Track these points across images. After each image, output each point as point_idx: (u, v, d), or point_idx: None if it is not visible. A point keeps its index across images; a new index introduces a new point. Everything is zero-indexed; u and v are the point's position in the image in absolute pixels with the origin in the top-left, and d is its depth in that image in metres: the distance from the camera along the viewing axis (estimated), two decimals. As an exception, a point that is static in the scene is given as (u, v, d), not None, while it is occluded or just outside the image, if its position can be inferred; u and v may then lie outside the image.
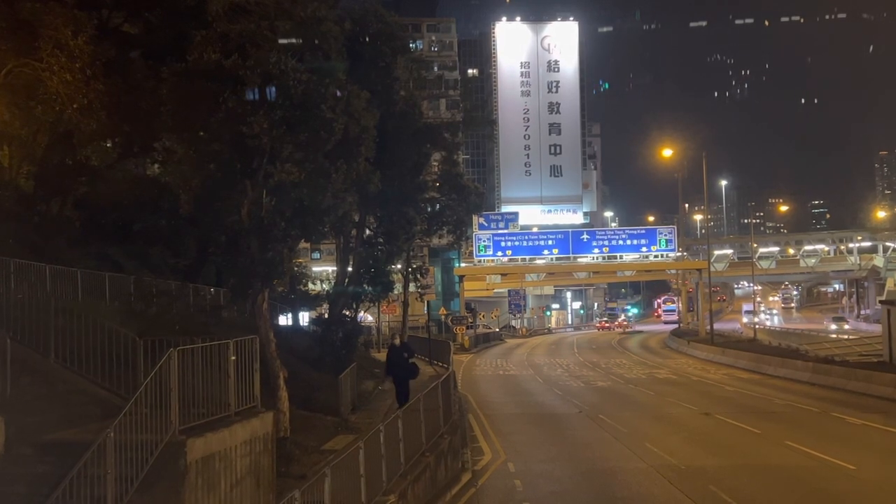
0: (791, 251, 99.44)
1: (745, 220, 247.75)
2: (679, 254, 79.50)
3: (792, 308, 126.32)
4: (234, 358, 12.62)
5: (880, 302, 42.04)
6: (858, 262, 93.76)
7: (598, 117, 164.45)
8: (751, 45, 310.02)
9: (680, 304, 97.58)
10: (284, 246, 15.25)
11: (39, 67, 20.56)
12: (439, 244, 54.52)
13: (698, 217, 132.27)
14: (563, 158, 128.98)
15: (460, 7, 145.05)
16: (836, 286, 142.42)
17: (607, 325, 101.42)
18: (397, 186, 29.91)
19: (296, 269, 46.32)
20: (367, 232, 33.42)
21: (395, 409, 18.33)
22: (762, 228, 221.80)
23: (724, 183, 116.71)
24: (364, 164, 16.16)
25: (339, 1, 21.52)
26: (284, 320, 35.98)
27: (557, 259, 79.28)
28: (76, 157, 25.17)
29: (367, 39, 22.85)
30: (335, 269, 34.70)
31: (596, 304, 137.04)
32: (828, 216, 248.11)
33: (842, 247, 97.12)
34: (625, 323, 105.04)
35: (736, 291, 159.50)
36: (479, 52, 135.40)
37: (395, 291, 46.77)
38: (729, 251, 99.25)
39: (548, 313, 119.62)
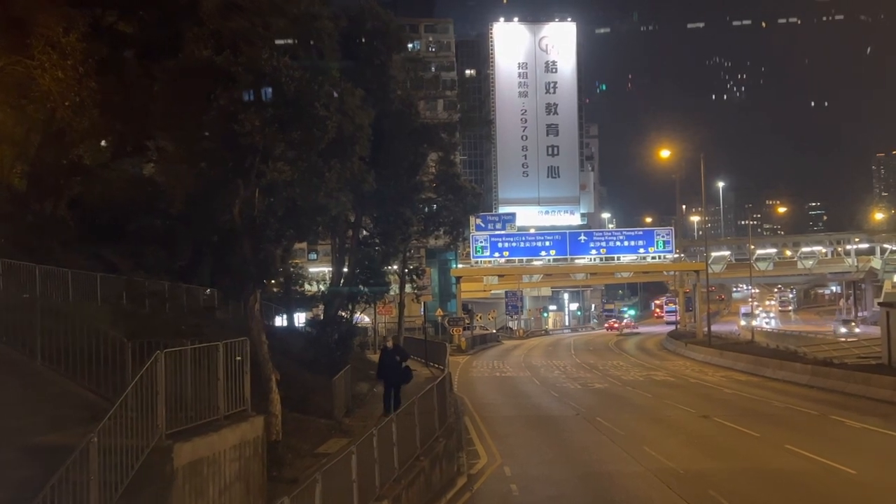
0: (788, 253, 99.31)
1: (743, 222, 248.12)
2: (676, 255, 79.30)
3: (789, 311, 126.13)
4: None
5: (879, 304, 41.84)
6: (856, 263, 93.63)
7: (596, 118, 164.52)
8: (748, 47, 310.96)
9: (674, 306, 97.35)
10: (277, 246, 14.98)
11: (31, 65, 20.33)
12: (436, 245, 54.21)
13: (695, 219, 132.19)
14: (561, 159, 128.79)
15: (458, 8, 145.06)
16: (834, 288, 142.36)
17: (616, 325, 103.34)
18: (393, 186, 29.69)
19: (291, 269, 46.20)
20: (364, 232, 33.19)
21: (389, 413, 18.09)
22: (759, 230, 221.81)
23: (721, 184, 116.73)
24: (358, 163, 15.90)
25: (334, -2, 21.33)
26: (280, 321, 35.76)
27: (555, 260, 79.00)
28: (69, 156, 24.95)
29: (363, 37, 22.60)
30: (331, 269, 34.47)
31: (593, 306, 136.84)
32: (825, 218, 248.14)
33: (839, 248, 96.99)
34: (631, 323, 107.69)
35: (734, 294, 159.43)
36: (477, 52, 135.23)
37: (392, 292, 46.54)
38: (726, 253, 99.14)
39: (545, 315, 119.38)
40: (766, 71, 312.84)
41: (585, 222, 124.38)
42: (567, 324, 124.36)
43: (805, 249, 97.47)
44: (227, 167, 14.68)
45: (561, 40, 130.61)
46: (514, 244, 78.78)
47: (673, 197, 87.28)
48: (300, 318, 37.62)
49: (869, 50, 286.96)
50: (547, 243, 78.50)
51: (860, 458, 19.17)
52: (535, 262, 79.69)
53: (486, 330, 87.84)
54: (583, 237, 79.94)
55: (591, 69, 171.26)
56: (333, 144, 14.45)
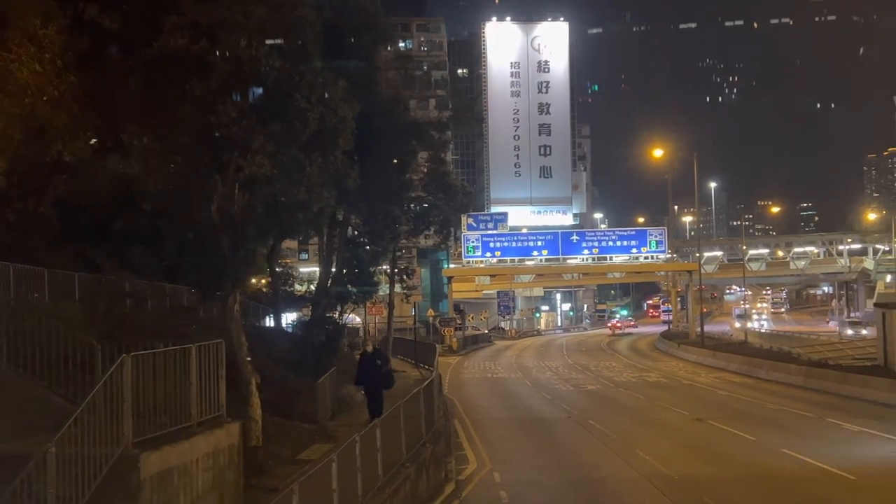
0: (780, 253, 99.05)
1: (734, 223, 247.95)
2: (669, 255, 78.89)
3: (782, 312, 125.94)
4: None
5: (875, 305, 41.37)
6: (848, 264, 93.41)
7: (588, 119, 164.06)
8: (740, 48, 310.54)
9: (671, 306, 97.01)
10: (258, 244, 14.36)
11: (8, 58, 19.70)
12: (427, 245, 53.63)
13: (687, 219, 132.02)
14: (553, 159, 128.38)
15: (449, 7, 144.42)
16: (826, 288, 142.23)
17: (619, 325, 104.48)
18: (382, 184, 29.05)
19: (280, 269, 45.56)
20: (352, 231, 32.60)
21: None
22: (751, 231, 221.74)
23: (713, 185, 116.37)
24: (342, 157, 15.30)
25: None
26: (270, 322, 35.08)
27: (547, 260, 78.48)
28: (50, 152, 24.33)
29: (348, 29, 21.99)
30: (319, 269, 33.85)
31: (585, 306, 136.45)
32: (816, 219, 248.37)
33: (831, 249, 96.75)
34: (631, 322, 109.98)
35: (726, 297, 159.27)
36: (469, 52, 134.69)
37: (382, 292, 45.93)
38: (719, 253, 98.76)
39: (537, 315, 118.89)
40: (758, 71, 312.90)
41: (578, 222, 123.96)
42: (559, 324, 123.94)
43: (797, 250, 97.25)
44: (203, 161, 14.06)
45: (553, 40, 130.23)
46: (505, 244, 78.22)
47: (665, 197, 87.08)
48: (290, 319, 36.97)
49: (861, 50, 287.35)
50: (539, 243, 77.96)
51: (859, 463, 18.66)
52: (528, 263, 79.16)
53: (478, 330, 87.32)
54: (575, 237, 79.44)
55: (583, 69, 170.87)
56: (315, 138, 13.86)
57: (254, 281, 39.71)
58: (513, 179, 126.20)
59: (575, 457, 20.69)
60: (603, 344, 77.16)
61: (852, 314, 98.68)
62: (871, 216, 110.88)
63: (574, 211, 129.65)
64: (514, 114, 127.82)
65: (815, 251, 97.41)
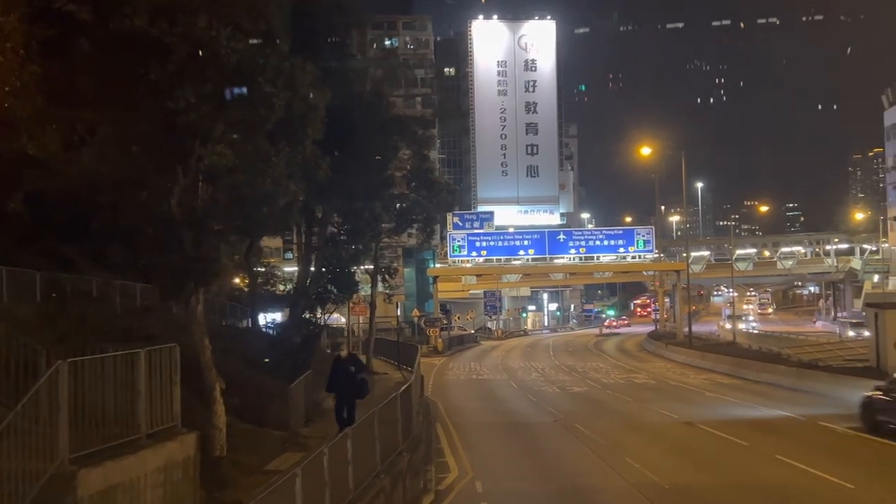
0: (766, 253, 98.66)
1: (721, 223, 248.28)
2: (656, 255, 78.23)
3: (769, 313, 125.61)
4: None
5: (867, 305, 40.63)
6: (836, 264, 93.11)
7: (575, 118, 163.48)
8: (727, 47, 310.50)
9: (658, 306, 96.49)
10: (220, 241, 13.40)
11: (-30, 48, 18.72)
12: (409, 243, 52.69)
13: (674, 219, 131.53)
14: (540, 159, 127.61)
15: (436, 6, 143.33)
16: (812, 288, 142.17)
17: (614, 323, 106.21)
18: (363, 180, 28.12)
19: (263, 268, 44.50)
20: (331, 229, 31.63)
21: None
22: (737, 231, 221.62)
23: (699, 185, 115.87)
24: (312, 147, 14.34)
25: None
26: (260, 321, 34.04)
27: (533, 260, 77.66)
28: (15, 147, 23.33)
29: (319, 12, 20.97)
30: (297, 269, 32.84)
31: (572, 306, 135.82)
32: (802, 219, 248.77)
33: (818, 249, 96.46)
34: (625, 322, 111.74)
35: (714, 299, 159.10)
36: (456, 51, 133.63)
37: (364, 292, 44.94)
38: (706, 253, 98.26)
39: (524, 315, 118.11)
40: (745, 71, 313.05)
41: (565, 222, 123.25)
42: (546, 324, 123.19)
43: (785, 250, 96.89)
44: (163, 151, 13.08)
45: (540, 39, 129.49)
46: (492, 243, 77.33)
47: (652, 197, 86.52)
48: (274, 320, 35.93)
49: (849, 50, 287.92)
50: (526, 242, 77.11)
51: (857, 471, 17.85)
52: (514, 262, 78.30)
53: (465, 330, 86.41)
54: (562, 236, 78.64)
55: (570, 69, 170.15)
56: (282, 126, 12.91)
57: (237, 280, 38.78)
58: (500, 179, 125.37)
59: (561, 464, 19.80)
60: (590, 344, 76.41)
61: (840, 314, 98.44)
62: (859, 216, 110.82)
63: (561, 210, 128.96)
64: (501, 113, 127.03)
65: (802, 251, 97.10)
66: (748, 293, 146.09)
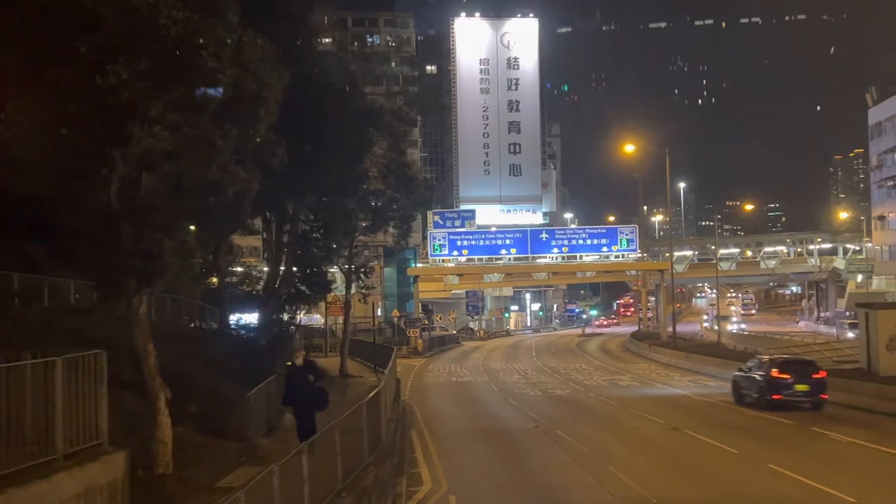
0: (749, 253, 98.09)
1: (703, 223, 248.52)
2: (640, 255, 77.28)
3: (752, 314, 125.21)
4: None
5: (857, 305, 39.69)
6: (819, 264, 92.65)
7: (558, 117, 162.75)
8: (710, 47, 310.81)
9: (640, 306, 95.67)
10: (165, 235, 12.04)
11: None
12: (386, 241, 51.31)
13: (657, 219, 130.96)
14: (523, 157, 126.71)
15: (418, 4, 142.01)
16: (794, 289, 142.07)
17: (605, 322, 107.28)
18: (335, 175, 26.79)
19: (241, 267, 43.00)
20: (304, 226, 30.28)
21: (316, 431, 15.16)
22: (720, 231, 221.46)
23: (682, 185, 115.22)
24: (266, 130, 12.99)
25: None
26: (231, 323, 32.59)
27: (516, 259, 76.52)
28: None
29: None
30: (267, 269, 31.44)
31: (555, 306, 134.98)
32: (783, 219, 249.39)
33: (800, 249, 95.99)
34: (615, 321, 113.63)
35: (698, 301, 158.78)
36: (438, 49, 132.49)
37: (340, 292, 43.57)
38: (689, 252, 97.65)
39: (506, 315, 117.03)
40: (728, 71, 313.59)
41: (548, 221, 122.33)
42: (529, 324, 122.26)
43: (768, 249, 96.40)
44: (98, 136, 11.72)
45: (523, 37, 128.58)
46: (473, 242, 76.09)
47: (635, 197, 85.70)
48: (251, 323, 34.47)
49: (832, 50, 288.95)
50: (508, 241, 75.94)
51: (855, 481, 16.73)
52: (496, 261, 77.11)
53: (447, 331, 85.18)
54: (545, 235, 77.49)
55: (553, 69, 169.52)
56: (230, 105, 11.60)
57: (214, 279, 37.30)
58: (482, 177, 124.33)
59: (541, 475, 18.54)
60: (573, 345, 75.36)
61: (822, 314, 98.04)
62: (843, 215, 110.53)
63: (544, 210, 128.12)
64: (484, 111, 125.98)
65: (785, 251, 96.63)
66: (729, 294, 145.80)
